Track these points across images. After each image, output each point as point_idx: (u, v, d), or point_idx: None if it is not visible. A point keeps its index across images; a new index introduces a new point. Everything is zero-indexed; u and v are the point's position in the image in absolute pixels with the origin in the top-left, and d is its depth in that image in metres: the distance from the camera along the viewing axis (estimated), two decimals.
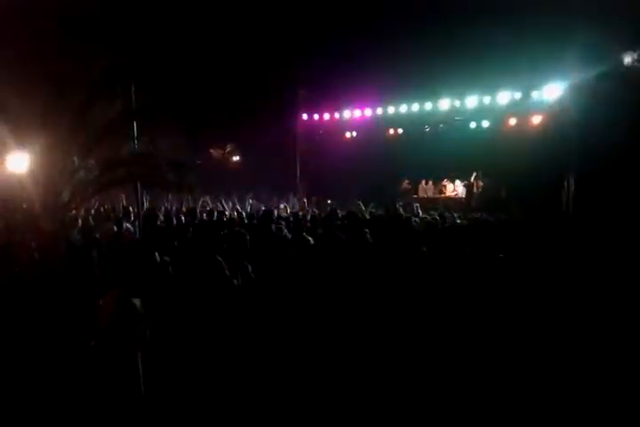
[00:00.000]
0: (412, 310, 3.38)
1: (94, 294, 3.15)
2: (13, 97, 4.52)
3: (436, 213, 8.91)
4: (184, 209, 9.20)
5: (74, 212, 6.22)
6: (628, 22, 10.07)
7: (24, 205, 5.16)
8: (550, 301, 3.60)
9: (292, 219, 7.22)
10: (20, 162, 4.81)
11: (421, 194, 16.91)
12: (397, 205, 8.36)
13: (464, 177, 15.99)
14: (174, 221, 6.92)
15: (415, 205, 11.69)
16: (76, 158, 5.15)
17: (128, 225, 7.02)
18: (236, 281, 3.61)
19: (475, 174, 15.54)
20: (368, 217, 8.15)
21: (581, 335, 3.31)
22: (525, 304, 3.53)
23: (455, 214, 9.11)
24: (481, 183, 15.64)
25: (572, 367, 3.13)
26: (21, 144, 4.72)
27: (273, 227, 5.56)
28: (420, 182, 17.09)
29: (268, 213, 6.17)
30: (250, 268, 3.88)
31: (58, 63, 5.05)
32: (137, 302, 2.88)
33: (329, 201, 13.24)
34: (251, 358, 3.32)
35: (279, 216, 8.02)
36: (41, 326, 3.08)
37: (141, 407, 2.71)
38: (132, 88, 5.92)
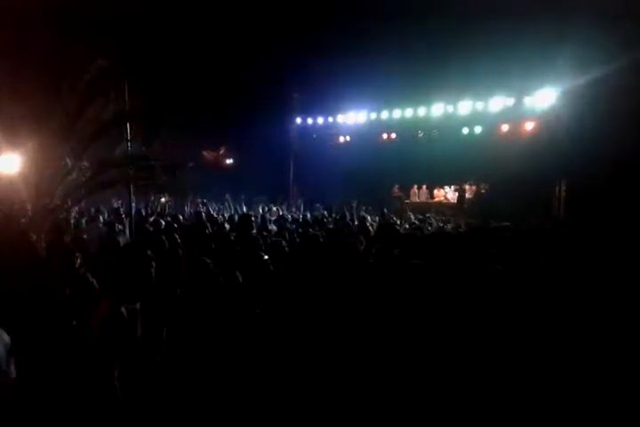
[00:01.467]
0: (394, 313, 3.37)
1: (83, 299, 3.14)
2: (5, 97, 4.50)
3: (415, 219, 8.94)
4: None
5: (65, 214, 6.19)
6: (619, 28, 10.18)
7: (15, 207, 5.13)
8: (541, 304, 3.62)
9: (280, 222, 7.21)
10: (11, 163, 4.78)
11: (413, 199, 16.93)
12: (385, 211, 8.41)
13: (456, 182, 16.04)
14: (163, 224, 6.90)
15: (409, 212, 11.75)
16: (68, 159, 5.12)
17: (120, 227, 7.00)
18: (222, 280, 3.60)
19: (467, 179, 15.62)
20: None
21: (578, 341, 3.31)
22: (515, 308, 3.55)
23: (437, 220, 9.14)
24: (473, 188, 15.70)
25: (568, 371, 3.13)
26: (13, 145, 4.69)
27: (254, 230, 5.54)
28: (412, 187, 17.11)
29: (247, 216, 6.13)
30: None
31: (50, 64, 5.04)
32: (136, 306, 2.89)
33: (317, 204, 13.29)
34: (242, 358, 3.31)
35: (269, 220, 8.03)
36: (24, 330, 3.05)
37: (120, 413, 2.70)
38: (126, 89, 5.91)
